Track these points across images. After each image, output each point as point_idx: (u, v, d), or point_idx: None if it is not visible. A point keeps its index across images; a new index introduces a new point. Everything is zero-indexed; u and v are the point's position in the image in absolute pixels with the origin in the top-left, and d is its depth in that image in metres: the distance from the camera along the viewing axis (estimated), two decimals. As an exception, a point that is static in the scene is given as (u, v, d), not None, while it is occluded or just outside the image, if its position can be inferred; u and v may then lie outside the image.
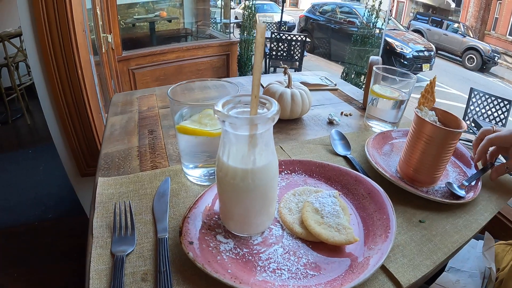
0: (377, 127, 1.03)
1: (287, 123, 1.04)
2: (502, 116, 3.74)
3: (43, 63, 1.73)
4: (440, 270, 0.74)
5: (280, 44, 5.22)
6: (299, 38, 5.22)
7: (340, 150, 0.88)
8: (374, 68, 0.98)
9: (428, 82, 0.76)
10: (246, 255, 0.54)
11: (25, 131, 3.62)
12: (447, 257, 0.60)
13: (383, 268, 0.55)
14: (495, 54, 9.61)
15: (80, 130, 1.96)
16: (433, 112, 0.75)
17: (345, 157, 0.86)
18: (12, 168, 2.85)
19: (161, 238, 0.57)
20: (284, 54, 5.29)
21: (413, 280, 0.54)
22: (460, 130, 0.69)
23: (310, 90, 1.06)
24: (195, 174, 0.72)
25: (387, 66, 0.99)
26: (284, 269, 0.52)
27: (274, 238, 0.58)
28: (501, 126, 3.70)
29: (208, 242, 0.55)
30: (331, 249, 0.56)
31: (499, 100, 3.75)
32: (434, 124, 0.70)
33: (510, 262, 0.79)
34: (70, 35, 1.71)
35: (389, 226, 0.59)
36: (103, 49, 2.50)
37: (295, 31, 9.26)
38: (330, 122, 1.07)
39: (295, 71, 5.00)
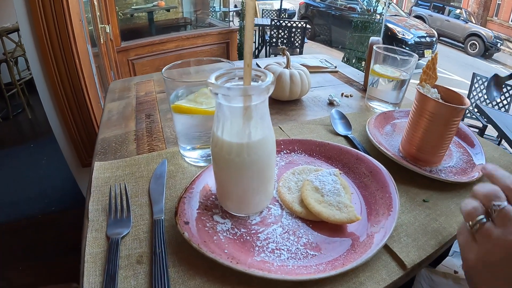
0: (378, 107, 1.01)
1: (286, 104, 1.03)
2: (505, 102, 3.70)
3: (41, 55, 1.73)
4: (444, 254, 0.73)
5: (280, 31, 5.20)
6: (300, 25, 5.19)
7: (341, 129, 0.87)
8: (374, 47, 0.96)
9: (430, 58, 0.73)
10: (244, 235, 0.53)
11: (27, 125, 3.61)
12: (452, 238, 0.59)
13: (386, 247, 0.54)
14: (497, 40, 9.55)
15: (80, 121, 1.96)
16: (436, 89, 0.73)
17: (346, 137, 0.85)
18: (14, 163, 2.85)
19: (157, 220, 0.55)
20: (285, 41, 5.27)
21: (417, 260, 0.52)
22: (463, 107, 0.67)
23: (309, 72, 1.04)
24: (192, 155, 0.70)
25: (388, 46, 0.96)
26: (283, 249, 0.50)
27: (273, 217, 0.56)
28: (504, 111, 3.66)
29: (205, 222, 0.53)
30: (332, 228, 0.55)
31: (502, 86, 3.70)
32: (437, 100, 0.68)
33: None
34: (66, 26, 1.70)
35: (391, 205, 0.57)
36: (102, 40, 2.48)
37: (295, 18, 9.19)
38: (331, 103, 1.05)
39: (296, 58, 4.97)
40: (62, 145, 2.00)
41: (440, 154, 0.74)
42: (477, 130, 3.00)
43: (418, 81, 0.74)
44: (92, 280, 0.46)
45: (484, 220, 0.43)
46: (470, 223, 0.44)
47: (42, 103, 1.83)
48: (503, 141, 3.02)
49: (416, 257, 0.53)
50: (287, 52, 1.01)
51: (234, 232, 0.53)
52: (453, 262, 0.75)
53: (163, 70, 0.63)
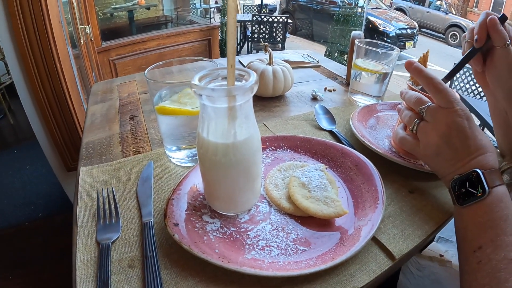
0: (362, 101, 1.02)
1: (270, 101, 1.03)
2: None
3: (20, 58, 1.69)
4: (430, 239, 0.74)
5: (261, 26, 5.19)
6: (281, 20, 5.20)
7: (325, 124, 0.87)
8: (356, 41, 0.97)
9: (422, 55, 0.74)
10: (234, 234, 0.53)
11: (9, 131, 3.53)
12: (439, 227, 0.60)
13: (374, 239, 0.55)
14: (477, 31, 9.64)
15: (63, 124, 1.93)
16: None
17: (330, 132, 0.85)
18: (-3, 170, 2.79)
19: (146, 223, 0.55)
20: (266, 36, 5.26)
21: (405, 250, 0.53)
22: None
23: (292, 67, 1.05)
24: (178, 156, 0.70)
25: (370, 40, 0.97)
26: (273, 246, 0.51)
27: (262, 215, 0.57)
28: (485, 100, 3.71)
29: (194, 223, 0.53)
30: (320, 223, 0.55)
31: (483, 75, 3.75)
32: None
33: None
34: (46, 28, 1.67)
35: (378, 197, 0.58)
36: (82, 41, 2.44)
37: (276, 13, 9.18)
38: (314, 98, 1.06)
39: (278, 53, 4.97)
40: (46, 150, 1.96)
41: None
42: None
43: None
44: (85, 287, 0.46)
45: (418, 121, 0.60)
46: (411, 127, 0.62)
47: (23, 107, 1.80)
48: (485, 129, 3.08)
49: (404, 247, 0.54)
50: (269, 49, 1.01)
51: (223, 231, 0.53)
52: (438, 247, 0.77)
53: (146, 71, 0.63)
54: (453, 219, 0.64)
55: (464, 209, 0.52)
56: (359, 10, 5.27)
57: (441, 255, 0.76)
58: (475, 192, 0.51)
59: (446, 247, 0.78)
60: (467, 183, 0.53)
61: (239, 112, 0.45)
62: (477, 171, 0.52)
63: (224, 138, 0.47)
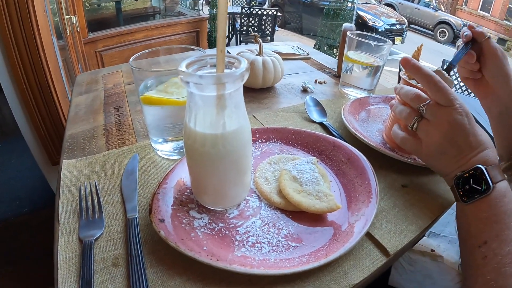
0: (353, 94, 1.01)
1: (259, 92, 1.01)
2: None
3: (4, 48, 1.64)
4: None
5: (250, 19, 5.17)
6: (270, 13, 5.18)
7: (316, 117, 0.86)
8: (348, 33, 0.95)
9: (416, 49, 0.73)
10: (223, 229, 0.51)
11: (-7, 124, 3.45)
12: (432, 221, 0.59)
13: (368, 235, 0.54)
14: (466, 28, 9.78)
15: (47, 117, 1.89)
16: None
17: (321, 124, 0.84)
18: (-19, 166, 2.72)
19: (131, 218, 0.52)
20: (255, 29, 5.24)
21: (399, 246, 0.52)
22: None
23: (282, 59, 1.03)
24: (164, 148, 0.67)
25: (361, 32, 0.96)
26: (264, 242, 0.49)
27: (252, 210, 0.55)
28: (474, 97, 3.76)
29: (181, 219, 0.51)
30: (312, 218, 0.54)
31: (471, 70, 3.79)
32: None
33: None
34: (30, 17, 1.62)
35: (371, 192, 0.57)
36: (68, 32, 2.39)
37: (266, 6, 9.14)
38: (304, 90, 1.04)
39: (267, 46, 4.96)
40: (30, 143, 1.92)
41: None
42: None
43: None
44: (67, 287, 0.43)
45: (418, 119, 0.58)
46: (410, 125, 0.59)
47: (7, 99, 1.75)
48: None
49: (398, 242, 0.53)
50: (259, 39, 0.98)
51: (212, 227, 0.51)
52: (430, 242, 0.77)
53: (131, 59, 0.60)
54: (445, 214, 0.63)
55: (467, 205, 0.52)
56: (349, 4, 5.27)
57: (432, 250, 0.75)
58: (479, 188, 0.51)
59: (437, 241, 0.78)
60: (471, 179, 0.52)
61: (229, 101, 0.43)
62: (480, 167, 0.52)
63: (213, 128, 0.44)
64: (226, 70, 0.42)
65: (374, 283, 0.56)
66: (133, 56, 0.61)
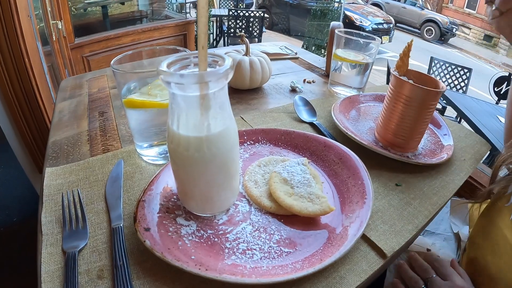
0: (342, 92, 1.00)
1: (247, 93, 1.00)
2: (462, 84, 3.84)
3: (-13, 53, 1.60)
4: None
5: (238, 21, 5.19)
6: (257, 15, 5.20)
7: (305, 116, 0.84)
8: (336, 31, 0.94)
9: (406, 44, 0.72)
10: (211, 237, 0.48)
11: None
12: (429, 220, 0.59)
13: (363, 237, 0.52)
14: (453, 26, 9.97)
15: (33, 124, 1.86)
16: (406, 77, 0.72)
17: (311, 124, 0.83)
18: (-33, 176, 2.67)
19: (116, 228, 0.50)
20: (243, 31, 5.26)
21: (396, 247, 0.51)
22: (439, 90, 0.66)
23: (270, 59, 1.01)
24: (150, 153, 0.65)
25: (349, 30, 0.94)
26: (255, 249, 0.47)
27: (241, 215, 0.53)
28: (462, 93, 3.79)
29: (167, 227, 0.49)
30: (305, 222, 0.52)
31: (459, 69, 3.83)
32: (413, 83, 0.66)
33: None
34: (14, 22, 1.58)
35: (365, 192, 0.55)
36: (54, 37, 2.35)
37: (253, 8, 9.16)
38: (293, 90, 1.03)
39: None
40: (17, 151, 1.88)
41: (416, 139, 0.73)
42: (436, 112, 3.08)
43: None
44: (51, 301, 0.41)
45: (424, 287, 0.63)
46: None
47: (-9, 107, 1.72)
48: (462, 121, 3.13)
49: (395, 243, 0.52)
50: (246, 39, 0.96)
51: (200, 234, 0.49)
52: (425, 241, 0.77)
53: (112, 61, 0.57)
54: (441, 212, 0.63)
55: None
56: (336, 4, 5.30)
57: (428, 249, 0.74)
58: None
59: (432, 239, 0.77)
60: None
61: (213, 101, 0.41)
62: None
63: (197, 131, 0.42)
64: (209, 69, 0.40)
65: (369, 285, 0.54)
66: (115, 58, 0.58)
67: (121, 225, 0.51)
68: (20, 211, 2.23)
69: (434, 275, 0.63)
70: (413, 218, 0.57)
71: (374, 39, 0.91)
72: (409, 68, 0.73)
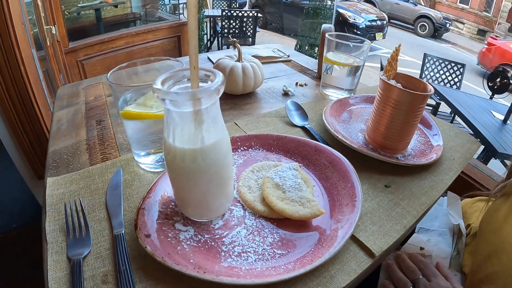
0: (334, 95, 1.02)
1: (241, 98, 1.01)
2: (456, 80, 3.86)
3: (-17, 63, 1.61)
4: (410, 232, 0.75)
5: (231, 21, 5.16)
6: (251, 14, 5.18)
7: (297, 120, 0.86)
8: (326, 35, 0.95)
9: (394, 49, 0.73)
10: (208, 241, 0.51)
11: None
12: (417, 220, 0.60)
13: (353, 238, 0.54)
14: (446, 21, 9.97)
15: (30, 131, 1.86)
16: (394, 80, 0.74)
17: (303, 128, 0.84)
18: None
19: (117, 235, 0.52)
20: (236, 31, 5.24)
21: (385, 247, 0.53)
22: (427, 93, 0.68)
23: (262, 63, 1.03)
24: (147, 161, 0.67)
25: (340, 33, 0.96)
26: (250, 252, 0.49)
27: (236, 219, 0.55)
28: (456, 89, 3.82)
29: (167, 233, 0.51)
30: (297, 225, 0.54)
31: (453, 64, 3.86)
32: (402, 88, 0.68)
33: (478, 216, 0.80)
34: (8, 30, 1.59)
35: (354, 194, 0.58)
36: (48, 42, 2.35)
37: (246, 7, 9.14)
38: (285, 94, 1.05)
39: (248, 47, 4.96)
40: (15, 158, 1.89)
41: (406, 141, 0.75)
42: (431, 108, 3.11)
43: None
44: (59, 307, 0.43)
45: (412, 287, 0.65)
46: None
47: (-12, 114, 1.73)
48: (456, 117, 3.16)
49: (383, 243, 0.54)
50: (238, 45, 0.98)
51: (197, 239, 0.51)
52: (420, 238, 0.77)
53: (109, 74, 0.59)
54: (432, 209, 0.65)
55: None
56: (329, 2, 5.29)
57: (421, 248, 0.76)
58: None
59: (427, 236, 0.78)
60: None
61: (206, 116, 0.43)
62: None
63: (191, 143, 0.44)
64: (202, 84, 0.43)
65: (363, 285, 0.57)
66: (111, 71, 0.60)
67: (123, 232, 0.53)
68: (20, 217, 2.23)
69: (421, 276, 0.65)
70: (402, 218, 0.59)
71: (364, 41, 0.93)
72: (398, 71, 0.74)
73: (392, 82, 0.73)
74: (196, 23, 0.38)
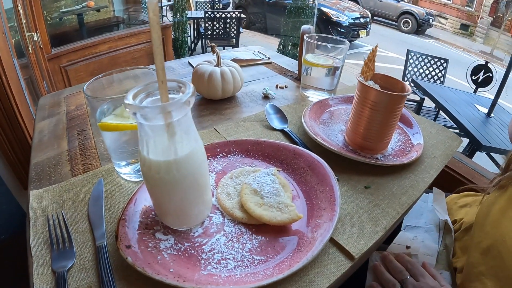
0: (314, 96, 1.02)
1: (220, 103, 1.01)
2: (440, 75, 3.91)
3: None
4: (396, 229, 0.76)
5: (215, 23, 5.16)
6: (234, 15, 5.18)
7: (277, 124, 0.86)
8: (305, 37, 0.96)
9: (371, 50, 0.74)
10: (188, 249, 0.51)
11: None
12: (397, 220, 0.61)
13: (332, 241, 0.55)
14: (429, 17, 10.08)
15: (15, 142, 1.84)
16: (372, 81, 0.74)
17: (282, 131, 0.84)
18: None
19: (100, 246, 0.53)
20: (220, 32, 5.24)
21: (364, 249, 0.54)
22: (404, 94, 0.69)
23: (243, 66, 1.03)
24: (127, 171, 0.67)
25: (321, 34, 0.97)
26: (229, 259, 0.50)
27: (215, 227, 0.56)
28: (440, 83, 3.87)
29: (147, 242, 0.51)
30: (276, 230, 0.55)
31: (436, 60, 3.91)
32: (379, 90, 0.69)
33: (468, 211, 0.81)
34: (-12, 41, 1.57)
35: (333, 197, 0.58)
36: (30, 49, 2.32)
37: (230, 8, 9.13)
38: (266, 97, 1.05)
39: (232, 48, 4.95)
40: (0, 169, 1.87)
41: (385, 141, 0.76)
42: (415, 104, 3.15)
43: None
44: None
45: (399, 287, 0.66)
46: None
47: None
48: (440, 111, 3.20)
49: (363, 245, 0.54)
50: (217, 50, 0.99)
51: (178, 247, 0.51)
52: (406, 236, 0.78)
53: (85, 87, 0.59)
54: (415, 206, 0.68)
55: None
56: (311, 2, 5.30)
57: (407, 247, 0.76)
58: None
59: (414, 233, 0.79)
60: None
61: (178, 128, 0.44)
62: None
63: (165, 155, 0.45)
64: (174, 96, 0.43)
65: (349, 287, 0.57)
66: (86, 84, 0.60)
67: (105, 243, 0.53)
68: (8, 228, 2.20)
69: (409, 276, 0.66)
70: (381, 219, 0.60)
71: (343, 42, 0.94)
72: (389, 75, 0.75)
73: (370, 83, 0.73)
74: (160, 39, 0.39)
